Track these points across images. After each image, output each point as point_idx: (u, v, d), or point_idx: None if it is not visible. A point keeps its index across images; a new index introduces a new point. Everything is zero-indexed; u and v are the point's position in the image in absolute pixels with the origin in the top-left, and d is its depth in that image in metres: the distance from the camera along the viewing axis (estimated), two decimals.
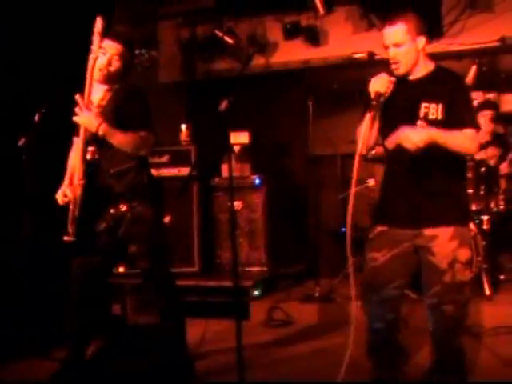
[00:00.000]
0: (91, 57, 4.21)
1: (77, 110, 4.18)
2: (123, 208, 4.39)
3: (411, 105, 3.73)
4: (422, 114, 3.70)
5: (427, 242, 3.73)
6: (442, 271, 3.70)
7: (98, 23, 4.13)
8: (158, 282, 4.59)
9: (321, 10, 7.35)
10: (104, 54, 4.29)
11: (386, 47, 3.74)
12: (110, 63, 4.34)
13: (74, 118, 4.22)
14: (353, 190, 3.69)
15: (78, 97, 4.19)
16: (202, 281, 6.88)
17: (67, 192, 4.34)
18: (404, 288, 3.98)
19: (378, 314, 3.91)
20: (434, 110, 3.69)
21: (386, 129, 3.79)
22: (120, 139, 4.25)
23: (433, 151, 3.55)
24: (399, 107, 3.76)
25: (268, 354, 5.20)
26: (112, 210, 4.40)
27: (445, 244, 3.70)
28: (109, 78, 4.37)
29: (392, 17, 3.74)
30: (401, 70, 3.72)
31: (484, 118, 6.89)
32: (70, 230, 4.24)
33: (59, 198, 4.38)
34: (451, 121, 3.65)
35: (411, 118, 3.70)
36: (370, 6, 7.31)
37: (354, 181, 3.72)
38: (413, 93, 3.75)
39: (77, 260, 4.43)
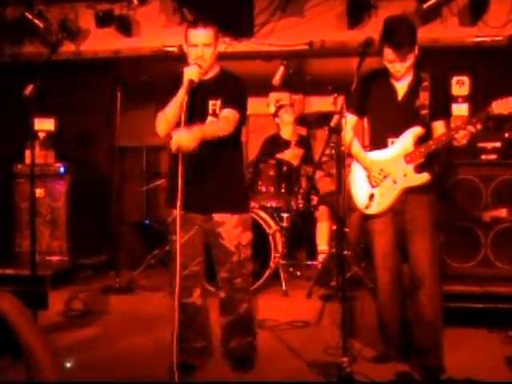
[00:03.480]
0: None
1: None
2: None
3: (202, 103, 4.19)
4: (210, 111, 4.21)
5: (216, 226, 4.33)
6: (231, 252, 4.35)
7: None
8: None
9: (134, 1, 7.27)
10: None
11: (194, 45, 4.14)
12: None
13: None
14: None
15: None
16: (0, 269, 6.61)
17: None
18: (203, 264, 4.45)
19: (185, 288, 4.20)
20: (218, 105, 4.22)
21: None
22: None
23: (217, 150, 4.15)
24: (194, 105, 4.09)
25: (65, 345, 5.11)
26: None
27: (231, 230, 4.33)
28: None
29: (203, 19, 4.21)
30: (204, 66, 4.12)
31: (286, 114, 7.12)
32: None
33: None
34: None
35: (202, 115, 4.18)
36: (183, 1, 7.31)
37: None
38: (203, 92, 4.18)
39: None
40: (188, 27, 4.20)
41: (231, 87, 4.24)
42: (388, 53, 4.17)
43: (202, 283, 4.50)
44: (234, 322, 4.47)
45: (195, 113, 4.07)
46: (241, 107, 4.21)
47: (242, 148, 4.54)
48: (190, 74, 4.01)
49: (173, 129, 4.00)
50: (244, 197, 4.53)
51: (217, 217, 4.30)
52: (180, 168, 3.86)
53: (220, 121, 4.13)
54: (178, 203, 3.85)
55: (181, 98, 3.99)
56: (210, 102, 4.20)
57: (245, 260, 4.40)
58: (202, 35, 4.12)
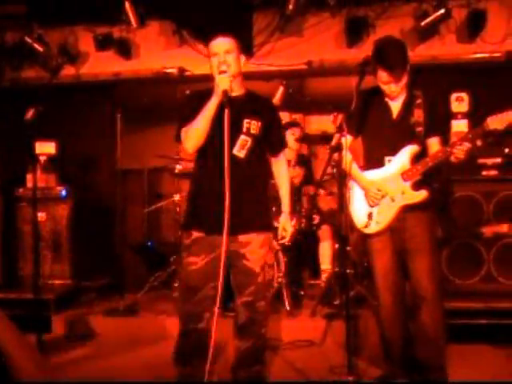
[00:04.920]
0: None
1: None
2: None
3: (236, 120, 4.05)
4: (244, 129, 4.13)
5: (241, 247, 4.13)
6: (255, 274, 4.17)
7: None
8: None
9: (134, 23, 7.36)
10: None
11: (215, 54, 4.05)
12: None
13: None
14: None
15: None
16: (3, 293, 6.66)
17: None
18: (217, 289, 4.15)
19: (196, 314, 4.12)
20: (254, 125, 4.15)
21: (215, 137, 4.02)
22: None
23: (246, 166, 4.10)
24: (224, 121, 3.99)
25: (69, 369, 5.14)
26: None
27: (257, 250, 4.16)
28: None
29: (221, 30, 4.11)
30: (229, 74, 3.99)
31: (291, 136, 7.16)
32: None
33: None
34: (268, 139, 4.27)
35: (235, 132, 4.08)
36: (182, 23, 7.40)
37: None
38: (236, 109, 4.04)
39: None
40: (208, 42, 4.13)
41: (277, 120, 4.42)
42: (382, 75, 4.25)
43: (213, 307, 4.20)
44: (251, 349, 4.25)
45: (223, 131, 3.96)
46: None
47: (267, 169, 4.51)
48: (223, 83, 3.93)
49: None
50: (269, 214, 4.44)
51: (242, 238, 4.14)
52: (226, 180, 3.85)
53: (286, 172, 4.51)
54: (226, 222, 3.84)
55: (212, 109, 3.95)
56: (245, 121, 4.14)
57: (269, 281, 4.31)
58: (221, 43, 4.05)
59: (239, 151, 4.11)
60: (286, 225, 4.41)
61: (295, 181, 6.87)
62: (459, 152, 4.16)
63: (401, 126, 4.37)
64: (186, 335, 4.20)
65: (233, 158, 4.03)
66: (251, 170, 4.18)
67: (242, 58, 4.18)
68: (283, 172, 4.50)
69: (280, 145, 4.45)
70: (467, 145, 4.15)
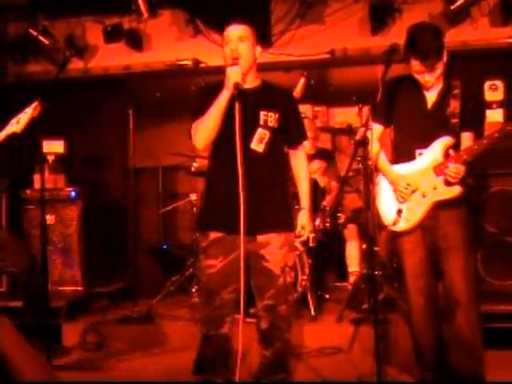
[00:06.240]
0: None
1: None
2: None
3: (252, 113, 4.08)
4: (262, 122, 4.13)
5: (260, 248, 4.13)
6: (275, 276, 4.17)
7: None
8: None
9: (144, 13, 7.35)
10: None
11: (227, 42, 4.07)
12: None
13: None
14: None
15: None
16: (11, 301, 6.67)
17: None
18: (238, 292, 4.16)
19: (216, 319, 4.15)
20: (271, 118, 4.14)
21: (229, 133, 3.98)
22: None
23: (265, 161, 4.11)
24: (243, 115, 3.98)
25: (80, 379, 5.16)
26: None
27: (276, 251, 4.16)
28: None
29: (238, 18, 4.12)
30: (243, 64, 4.02)
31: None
32: None
33: None
34: (287, 131, 4.25)
35: (252, 125, 4.10)
36: (196, 12, 7.39)
37: None
38: (251, 101, 4.08)
39: None
40: (223, 31, 4.13)
41: (295, 111, 4.38)
42: (415, 64, 4.21)
43: (233, 311, 4.27)
44: (274, 356, 4.28)
45: (244, 123, 3.95)
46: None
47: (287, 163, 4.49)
48: (234, 75, 3.93)
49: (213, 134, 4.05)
50: (290, 213, 4.37)
51: (261, 238, 4.14)
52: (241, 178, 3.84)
53: (305, 166, 4.43)
54: (242, 222, 3.83)
55: (222, 103, 3.95)
56: (262, 113, 4.13)
57: (290, 284, 4.29)
58: (235, 30, 4.06)
59: (257, 145, 4.11)
60: (305, 222, 4.35)
61: (315, 175, 6.81)
62: (454, 175, 4.19)
63: (435, 118, 4.33)
64: (206, 341, 4.23)
65: (251, 152, 4.06)
66: (271, 165, 4.17)
67: (258, 49, 4.18)
68: (302, 166, 4.44)
69: (299, 137, 4.40)
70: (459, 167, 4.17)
